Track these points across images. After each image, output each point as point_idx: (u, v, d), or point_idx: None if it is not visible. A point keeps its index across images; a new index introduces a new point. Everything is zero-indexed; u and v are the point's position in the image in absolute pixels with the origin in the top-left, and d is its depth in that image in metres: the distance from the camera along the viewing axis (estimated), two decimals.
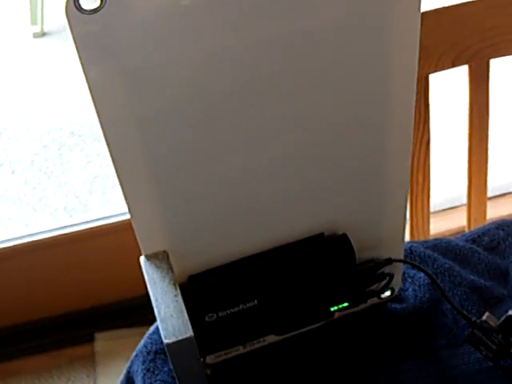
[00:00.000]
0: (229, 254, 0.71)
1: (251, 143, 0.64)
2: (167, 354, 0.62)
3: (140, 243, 0.67)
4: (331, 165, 0.69)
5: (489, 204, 1.16)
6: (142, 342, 0.81)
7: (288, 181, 0.68)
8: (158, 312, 0.63)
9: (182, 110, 0.60)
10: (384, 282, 0.78)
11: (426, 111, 1.03)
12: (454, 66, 1.01)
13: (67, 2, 0.50)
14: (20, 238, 1.62)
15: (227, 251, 0.71)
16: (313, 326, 0.77)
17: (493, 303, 0.81)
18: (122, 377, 0.82)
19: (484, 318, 0.74)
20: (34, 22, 2.68)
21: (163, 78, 0.57)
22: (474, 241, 0.90)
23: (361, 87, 0.64)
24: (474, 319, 0.75)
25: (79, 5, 0.50)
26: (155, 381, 0.76)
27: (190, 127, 0.61)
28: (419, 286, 0.83)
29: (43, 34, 2.69)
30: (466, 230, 1.15)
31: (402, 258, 0.80)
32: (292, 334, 0.77)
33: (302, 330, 0.77)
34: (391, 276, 0.77)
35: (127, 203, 0.63)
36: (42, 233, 1.62)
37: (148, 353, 0.79)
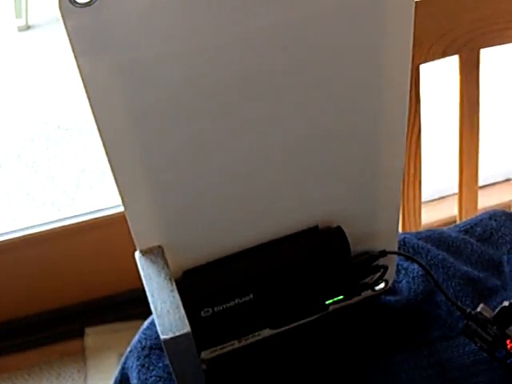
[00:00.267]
0: (224, 248, 0.70)
1: (245, 136, 0.64)
2: (164, 350, 0.62)
3: (135, 238, 0.66)
4: (325, 157, 0.68)
5: (479, 193, 1.16)
6: (137, 337, 0.81)
7: (282, 173, 0.68)
8: (155, 308, 0.62)
9: (176, 103, 0.59)
10: (378, 275, 0.77)
11: (417, 102, 1.03)
12: (444, 56, 1.01)
13: None
14: (7, 233, 1.61)
15: (222, 245, 0.70)
16: (307, 320, 0.77)
17: (487, 294, 0.82)
18: (116, 373, 0.82)
19: (479, 309, 0.74)
20: (18, 16, 2.66)
21: (158, 71, 0.56)
22: (466, 232, 0.90)
23: (355, 77, 0.64)
24: (468, 311, 0.75)
25: None
26: (150, 376, 0.76)
27: (184, 121, 0.60)
28: (413, 278, 0.83)
29: (28, 28, 2.68)
30: (458, 220, 1.15)
31: (396, 249, 0.80)
32: (287, 327, 0.76)
33: (297, 324, 0.77)
34: (385, 268, 0.77)
35: (121, 198, 0.63)
36: (29, 228, 1.61)
37: (143, 348, 0.79)
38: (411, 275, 0.83)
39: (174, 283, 0.64)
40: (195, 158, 0.63)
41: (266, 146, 0.65)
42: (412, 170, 1.08)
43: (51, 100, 2.34)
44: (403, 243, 0.88)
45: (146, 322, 0.82)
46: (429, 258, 0.85)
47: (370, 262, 0.75)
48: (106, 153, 0.59)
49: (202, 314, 0.68)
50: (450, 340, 0.78)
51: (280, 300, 0.72)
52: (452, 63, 1.04)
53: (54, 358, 1.51)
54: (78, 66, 0.53)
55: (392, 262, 0.79)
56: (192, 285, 0.69)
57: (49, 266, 1.62)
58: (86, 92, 0.55)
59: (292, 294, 0.73)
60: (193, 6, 0.54)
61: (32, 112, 2.30)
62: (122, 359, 0.81)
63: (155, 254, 0.67)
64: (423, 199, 1.16)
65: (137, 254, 0.67)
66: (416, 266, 0.83)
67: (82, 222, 1.61)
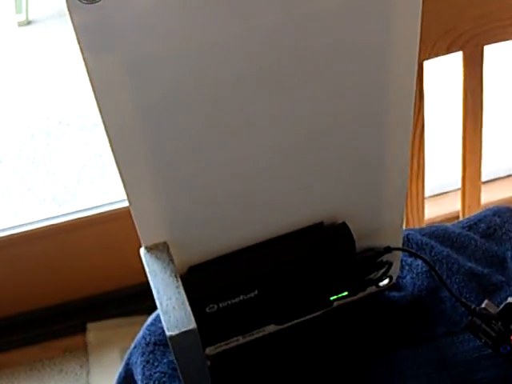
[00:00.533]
0: (229, 245, 0.70)
1: (251, 132, 0.64)
2: (170, 346, 0.62)
3: (140, 235, 0.66)
4: (331, 153, 0.68)
5: (482, 188, 1.16)
6: (141, 333, 0.81)
7: (288, 169, 0.68)
8: (160, 304, 0.62)
9: (182, 99, 0.59)
10: (382, 271, 0.77)
11: (421, 98, 1.02)
12: (448, 52, 1.01)
13: None
14: (8, 228, 1.61)
15: (227, 241, 0.70)
16: (312, 315, 0.77)
17: (491, 290, 0.82)
18: (120, 369, 0.82)
19: (483, 305, 0.74)
20: (18, 11, 2.65)
21: (164, 68, 0.56)
22: (470, 228, 0.90)
23: (361, 74, 0.64)
24: (473, 307, 0.75)
25: None
26: (155, 372, 0.76)
27: (190, 117, 0.60)
28: (417, 274, 0.83)
29: (28, 23, 2.67)
30: (460, 215, 1.15)
31: (400, 246, 0.80)
32: (291, 323, 0.76)
33: (302, 320, 0.77)
34: (390, 264, 0.77)
35: (127, 194, 0.63)
36: (31, 223, 1.61)
37: (147, 344, 0.79)
38: (415, 271, 0.84)
39: (179, 279, 0.64)
40: (200, 154, 0.63)
41: (271, 143, 0.65)
42: (415, 166, 1.08)
43: (52, 95, 2.33)
44: (407, 239, 0.88)
45: (150, 318, 0.82)
46: (433, 254, 0.85)
47: (375, 258, 0.75)
48: (112, 149, 0.59)
49: (208, 310, 0.68)
50: (454, 336, 0.78)
51: (285, 296, 0.72)
52: (456, 59, 1.04)
53: (56, 353, 1.51)
54: (85, 62, 0.53)
55: (396, 258, 0.79)
56: (197, 281, 0.69)
57: (50, 261, 1.62)
58: (92, 88, 0.55)
59: (297, 290, 0.73)
60: (197, 4, 0.54)
61: (33, 107, 2.30)
62: (126, 355, 0.81)
63: (160, 250, 0.67)
64: (426, 194, 1.16)
65: (142, 251, 0.67)
66: (420, 261, 0.83)
67: (83, 217, 1.61)
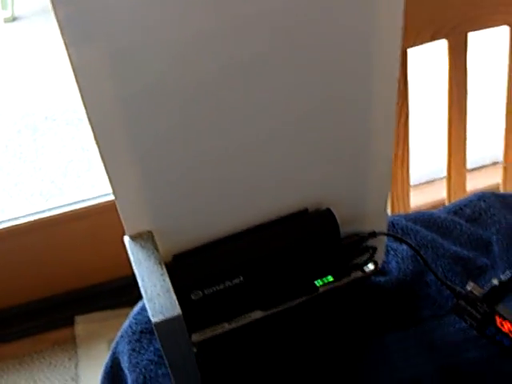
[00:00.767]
0: (214, 232, 0.70)
1: (233, 120, 0.64)
2: (155, 333, 0.62)
3: (124, 223, 0.66)
4: (315, 140, 0.68)
5: (467, 176, 1.17)
6: (127, 322, 0.81)
7: (272, 157, 0.68)
8: (145, 291, 0.62)
9: (164, 88, 0.59)
10: (367, 255, 0.78)
11: (405, 86, 1.03)
12: (432, 40, 1.01)
13: None
14: None
15: (212, 229, 0.70)
16: (298, 301, 0.77)
17: (476, 273, 0.82)
18: (107, 358, 0.82)
19: (468, 288, 0.75)
20: (4, 7, 2.65)
21: (147, 58, 0.56)
22: (455, 213, 0.91)
23: (345, 61, 0.64)
24: (458, 289, 0.75)
25: None
26: (142, 360, 0.76)
27: (173, 106, 0.60)
28: (402, 259, 0.84)
29: (14, 19, 2.66)
30: (446, 202, 1.16)
31: (385, 231, 0.80)
32: (277, 309, 0.76)
33: (288, 306, 0.77)
34: (374, 249, 0.77)
35: (111, 184, 0.63)
36: (18, 218, 1.60)
37: (133, 333, 0.79)
38: (401, 256, 0.84)
39: (164, 267, 0.64)
40: (183, 142, 0.63)
41: (255, 130, 0.65)
42: (400, 153, 1.08)
43: (38, 91, 2.33)
44: (392, 225, 0.88)
45: (136, 308, 0.82)
46: (418, 238, 0.85)
47: (360, 243, 0.76)
48: (95, 139, 0.59)
49: (193, 297, 0.68)
50: (440, 319, 0.78)
51: (270, 282, 0.72)
52: (440, 47, 1.04)
53: (45, 347, 1.51)
54: (68, 54, 0.53)
55: (381, 243, 0.80)
56: (182, 268, 0.69)
57: (37, 255, 1.62)
58: (76, 79, 0.55)
59: (282, 276, 0.73)
60: None
61: (19, 103, 2.29)
62: (113, 344, 0.81)
63: (145, 238, 0.67)
64: (412, 183, 1.17)
65: (126, 239, 0.67)
66: (405, 247, 0.84)
67: (70, 211, 1.60)
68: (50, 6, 0.50)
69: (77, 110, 2.18)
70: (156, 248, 0.66)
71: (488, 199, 0.92)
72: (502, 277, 0.74)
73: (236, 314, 0.74)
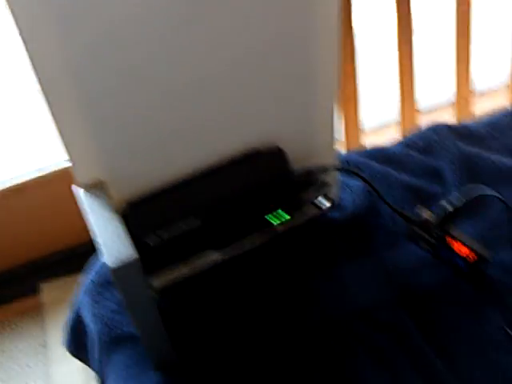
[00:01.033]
0: (166, 178, 0.70)
1: (179, 61, 0.63)
2: (113, 279, 0.62)
3: (75, 174, 0.65)
4: (259, 76, 0.68)
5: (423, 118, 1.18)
6: (88, 277, 0.81)
7: (218, 96, 0.68)
8: (101, 239, 0.62)
9: (110, 35, 0.58)
10: (320, 190, 0.78)
11: (349, 22, 1.03)
12: None
13: None
14: None
15: (164, 175, 0.70)
16: (259, 243, 0.77)
17: (429, 201, 0.82)
18: (69, 314, 0.82)
19: (422, 215, 0.75)
20: None
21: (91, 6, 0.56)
22: (409, 146, 0.91)
23: None
24: (410, 216, 0.76)
25: None
26: (103, 310, 0.76)
27: (117, 52, 0.60)
28: (358, 195, 0.84)
29: None
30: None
31: (336, 166, 0.80)
32: (236, 251, 0.76)
33: (247, 247, 0.77)
34: (325, 183, 0.78)
35: (59, 133, 0.62)
36: None
37: (94, 287, 0.79)
38: (356, 192, 0.84)
39: (118, 215, 0.64)
40: (129, 88, 0.63)
41: (200, 69, 0.65)
42: (348, 91, 1.08)
43: None
44: (347, 162, 0.88)
45: (96, 264, 0.82)
46: (371, 172, 0.86)
47: (310, 177, 0.75)
48: (42, 89, 0.58)
49: (149, 241, 0.68)
50: (394, 247, 0.79)
51: (225, 222, 0.73)
52: None
53: (12, 316, 1.50)
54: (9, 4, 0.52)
55: (334, 179, 0.80)
56: (137, 215, 0.69)
57: None
58: (19, 29, 0.54)
59: (236, 215, 0.73)
60: None
61: None
62: (75, 300, 0.81)
63: (98, 187, 0.66)
64: (368, 129, 1.17)
65: (79, 190, 0.66)
66: (360, 183, 0.84)
67: (28, 180, 1.59)
68: None
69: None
70: (109, 196, 0.66)
71: (441, 131, 0.92)
72: (455, 202, 0.75)
73: (193, 254, 0.74)
